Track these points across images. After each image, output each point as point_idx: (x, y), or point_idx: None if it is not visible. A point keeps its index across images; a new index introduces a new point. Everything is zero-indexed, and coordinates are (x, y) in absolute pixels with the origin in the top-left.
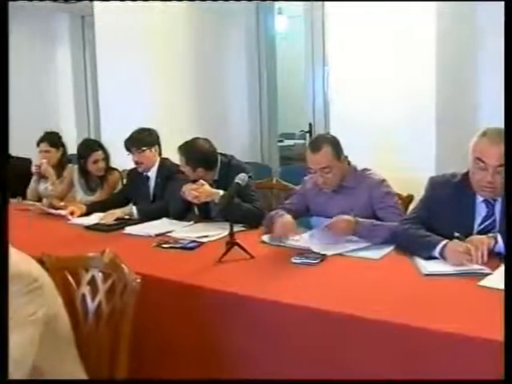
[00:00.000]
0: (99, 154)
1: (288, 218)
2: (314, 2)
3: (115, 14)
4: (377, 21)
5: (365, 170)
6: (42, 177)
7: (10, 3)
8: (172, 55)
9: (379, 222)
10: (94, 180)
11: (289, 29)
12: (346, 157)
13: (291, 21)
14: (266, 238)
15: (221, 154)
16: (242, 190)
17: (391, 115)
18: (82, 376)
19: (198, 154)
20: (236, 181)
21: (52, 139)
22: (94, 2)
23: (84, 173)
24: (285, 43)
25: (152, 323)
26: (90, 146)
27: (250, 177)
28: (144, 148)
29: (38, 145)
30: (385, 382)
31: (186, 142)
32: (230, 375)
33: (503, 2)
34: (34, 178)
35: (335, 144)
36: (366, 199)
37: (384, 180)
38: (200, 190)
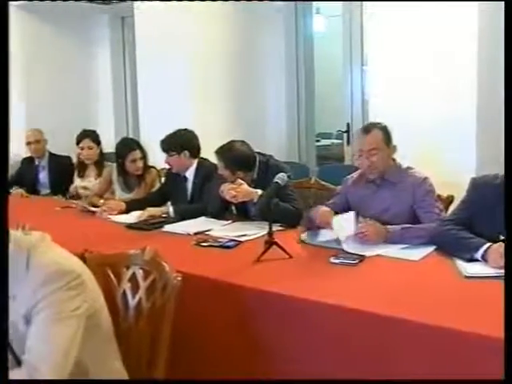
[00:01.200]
0: (137, 153)
1: (325, 208)
2: (353, 2)
3: (155, 15)
4: (416, 20)
5: (408, 168)
6: (82, 176)
7: (51, 4)
8: (211, 55)
9: (408, 225)
10: (132, 179)
11: (327, 28)
12: (395, 146)
13: (329, 20)
14: (305, 237)
15: (259, 153)
16: (280, 190)
17: (431, 115)
18: (124, 374)
19: (236, 157)
20: (275, 180)
21: (93, 135)
22: (135, 3)
23: (122, 171)
24: (322, 43)
25: (191, 322)
26: (128, 146)
27: (288, 176)
28: (172, 153)
29: (80, 142)
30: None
31: (223, 147)
32: (269, 375)
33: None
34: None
35: (386, 131)
36: (408, 196)
37: (426, 178)
38: (238, 190)
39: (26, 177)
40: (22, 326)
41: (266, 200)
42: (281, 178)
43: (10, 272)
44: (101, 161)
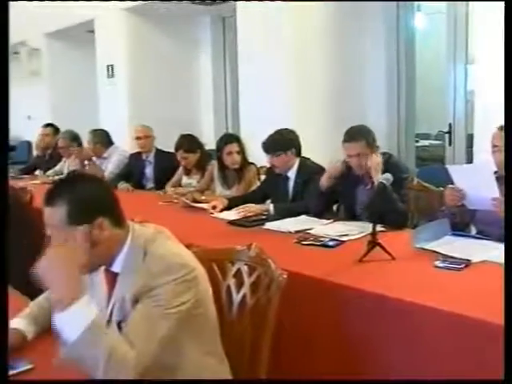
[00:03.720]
0: (234, 146)
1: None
2: (458, 2)
3: (256, 15)
4: None
5: None
6: (188, 174)
7: (157, 6)
8: (311, 55)
9: None
10: (231, 174)
11: (428, 26)
12: None
13: (430, 18)
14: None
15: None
16: (386, 190)
17: None
18: (226, 372)
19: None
20: (380, 180)
21: (186, 145)
22: (237, 3)
23: (221, 165)
24: (422, 40)
25: (292, 320)
26: (226, 138)
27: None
28: (279, 153)
29: (176, 150)
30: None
31: (351, 131)
32: (368, 376)
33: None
34: (179, 171)
35: None
36: None
37: None
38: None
39: (134, 171)
40: (129, 307)
41: (371, 200)
42: (386, 178)
43: (128, 262)
44: (200, 164)
